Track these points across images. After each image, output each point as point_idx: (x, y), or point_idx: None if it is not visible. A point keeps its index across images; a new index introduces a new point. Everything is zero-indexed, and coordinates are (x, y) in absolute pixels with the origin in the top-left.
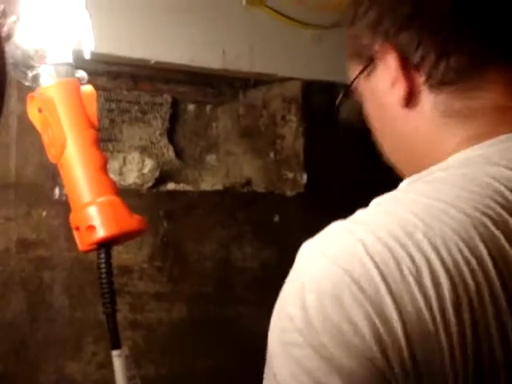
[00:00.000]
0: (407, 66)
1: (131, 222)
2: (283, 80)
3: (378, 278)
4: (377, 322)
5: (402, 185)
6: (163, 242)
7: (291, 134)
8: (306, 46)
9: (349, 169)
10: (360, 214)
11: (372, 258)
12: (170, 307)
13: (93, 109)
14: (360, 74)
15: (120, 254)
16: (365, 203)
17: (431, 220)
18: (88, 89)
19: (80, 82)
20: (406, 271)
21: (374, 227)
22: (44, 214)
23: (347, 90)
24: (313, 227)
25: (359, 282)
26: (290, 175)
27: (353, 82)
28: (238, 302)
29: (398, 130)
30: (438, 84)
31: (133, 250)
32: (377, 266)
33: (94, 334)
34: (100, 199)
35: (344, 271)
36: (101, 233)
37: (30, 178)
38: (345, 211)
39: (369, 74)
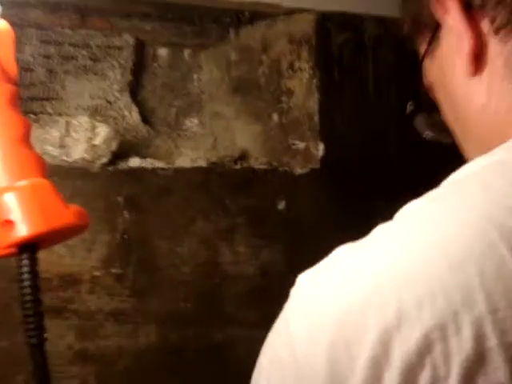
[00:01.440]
0: (470, 12)
1: (66, 214)
2: (290, 12)
3: None
4: None
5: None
6: (123, 240)
7: (302, 89)
8: None
9: (382, 140)
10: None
11: None
12: (134, 331)
13: (8, 54)
14: (426, 53)
15: (61, 258)
16: (404, 190)
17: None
18: (1, 27)
19: None
20: None
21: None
22: None
23: (419, 91)
24: (331, 217)
25: None
26: (301, 145)
27: (421, 75)
28: (228, 323)
29: (471, 114)
30: (506, 24)
31: (80, 252)
32: None
33: (26, 370)
34: (20, 183)
35: None
36: (22, 230)
37: None
38: (375, 196)
39: (433, 50)
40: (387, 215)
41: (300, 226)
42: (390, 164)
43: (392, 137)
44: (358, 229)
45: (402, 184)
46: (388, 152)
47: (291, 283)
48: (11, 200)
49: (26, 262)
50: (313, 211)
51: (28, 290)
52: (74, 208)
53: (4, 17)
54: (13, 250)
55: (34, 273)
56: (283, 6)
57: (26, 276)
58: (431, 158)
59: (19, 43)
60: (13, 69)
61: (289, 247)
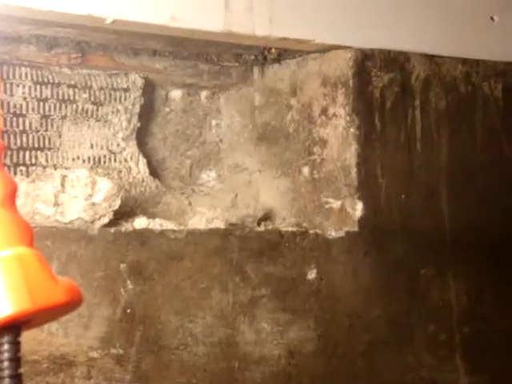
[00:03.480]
0: None
1: (55, 290)
2: (324, 49)
3: None
4: None
5: None
6: (126, 314)
7: (337, 138)
8: None
9: (432, 198)
10: None
11: None
12: None
13: None
14: None
15: (53, 336)
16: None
17: None
18: None
19: None
20: None
21: None
22: None
23: None
24: (371, 290)
25: None
26: (336, 204)
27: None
28: None
29: None
30: None
31: (75, 328)
32: None
33: None
34: (2, 253)
35: None
36: (2, 309)
37: None
38: (424, 264)
39: None
40: (439, 288)
41: (334, 299)
42: (441, 226)
43: (443, 194)
44: (403, 305)
45: (455, 249)
46: (439, 212)
47: (323, 368)
48: None
49: (6, 346)
50: (349, 282)
51: (7, 382)
52: (65, 282)
53: None
54: None
55: (15, 360)
56: (316, 42)
57: (5, 364)
58: (491, 218)
59: (10, 84)
60: None
61: (321, 324)
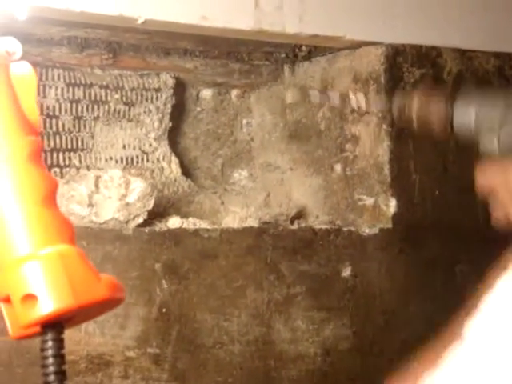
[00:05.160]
0: None
1: (97, 287)
2: (355, 46)
3: None
4: None
5: None
6: (162, 314)
7: (370, 135)
8: None
9: (467, 195)
10: None
11: None
12: None
13: (31, 101)
14: None
15: (90, 336)
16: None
17: None
18: (23, 69)
19: (9, 57)
20: None
21: None
22: None
23: None
24: (406, 286)
25: None
26: (369, 201)
27: None
28: None
29: None
30: None
31: (111, 328)
32: None
33: None
34: (44, 251)
35: None
36: (46, 307)
37: None
38: (460, 260)
39: None
40: (475, 283)
41: (369, 296)
42: (476, 222)
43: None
44: (438, 302)
45: (491, 245)
46: (474, 207)
47: (358, 366)
48: (34, 271)
49: (50, 343)
50: (384, 279)
51: (52, 378)
52: (107, 279)
53: (26, 56)
54: (35, 329)
55: (59, 356)
56: (347, 39)
57: (50, 360)
58: None
59: (43, 86)
60: (35, 117)
61: (356, 322)
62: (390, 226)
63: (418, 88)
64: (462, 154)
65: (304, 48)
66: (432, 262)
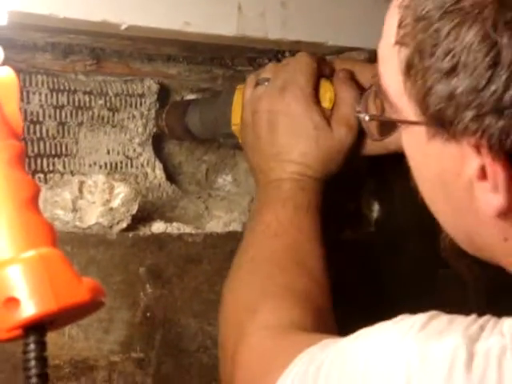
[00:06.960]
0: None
1: (79, 290)
2: (338, 52)
3: None
4: None
5: None
6: (146, 318)
7: None
8: None
9: None
10: None
11: None
12: None
13: (13, 105)
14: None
15: (73, 340)
16: None
17: None
18: (4, 74)
19: None
20: None
21: None
22: None
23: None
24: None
25: None
26: (350, 206)
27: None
28: None
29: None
30: None
31: (95, 333)
32: None
33: None
34: (26, 254)
35: None
36: (28, 310)
37: None
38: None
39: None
40: (456, 287)
41: (350, 302)
42: None
43: None
44: (422, 306)
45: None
46: None
47: None
48: (16, 274)
49: (32, 346)
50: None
51: (35, 380)
52: (89, 282)
53: (9, 63)
54: (17, 332)
55: (42, 359)
56: (329, 45)
57: (32, 363)
58: None
59: (26, 92)
60: (17, 122)
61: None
62: (372, 229)
63: None
64: None
65: (287, 54)
66: (415, 265)
